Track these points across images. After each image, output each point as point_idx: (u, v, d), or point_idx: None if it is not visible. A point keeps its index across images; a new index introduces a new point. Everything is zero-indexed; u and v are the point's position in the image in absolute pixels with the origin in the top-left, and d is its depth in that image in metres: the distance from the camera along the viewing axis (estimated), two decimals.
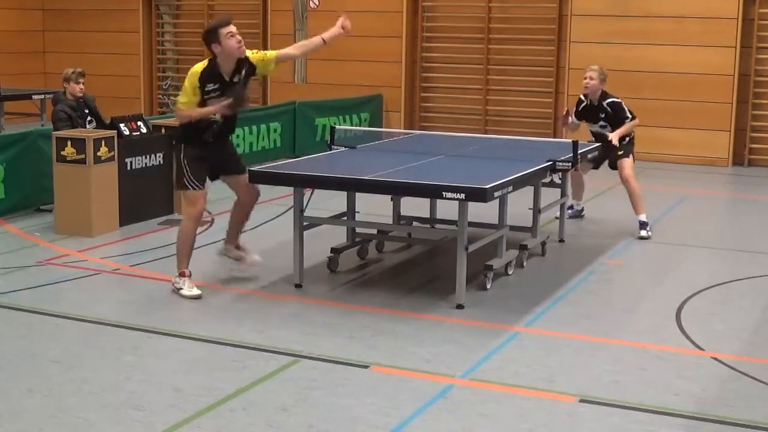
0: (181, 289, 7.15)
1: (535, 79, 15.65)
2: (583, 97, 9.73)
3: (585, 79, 9.58)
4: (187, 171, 7.20)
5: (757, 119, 14.58)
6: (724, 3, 14.21)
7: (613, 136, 9.47)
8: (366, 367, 5.83)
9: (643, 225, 9.47)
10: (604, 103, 9.52)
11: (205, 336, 6.29)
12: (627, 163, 9.56)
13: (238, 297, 7.25)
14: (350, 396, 5.37)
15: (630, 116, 9.56)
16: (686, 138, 14.59)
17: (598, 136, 9.64)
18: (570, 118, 9.87)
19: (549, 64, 15.54)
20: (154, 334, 6.38)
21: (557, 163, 8.03)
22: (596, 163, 9.81)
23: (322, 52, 17.02)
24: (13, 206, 9.64)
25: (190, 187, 7.22)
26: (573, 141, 8.26)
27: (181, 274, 7.21)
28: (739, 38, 14.21)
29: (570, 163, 8.08)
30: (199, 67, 7.11)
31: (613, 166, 9.72)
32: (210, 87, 7.11)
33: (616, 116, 9.52)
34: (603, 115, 9.55)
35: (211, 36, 7.08)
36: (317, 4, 15.82)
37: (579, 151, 8.14)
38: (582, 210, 10.31)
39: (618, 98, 9.62)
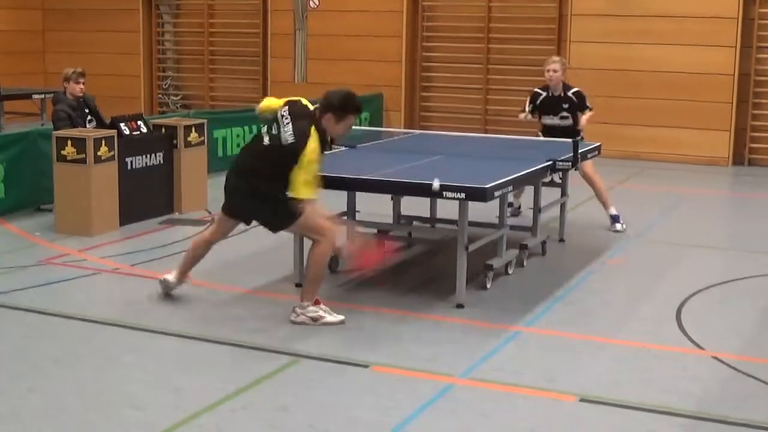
0: (323, 317, 6.48)
1: (535, 79, 15.58)
2: (540, 90, 9.64)
3: (548, 72, 9.46)
4: (288, 198, 6.41)
5: (757, 119, 14.58)
6: (724, 3, 14.20)
7: (584, 122, 9.42)
8: (366, 367, 5.82)
9: (615, 218, 9.59)
10: (569, 93, 9.47)
11: (205, 336, 6.29)
12: (589, 162, 9.44)
13: (238, 297, 7.25)
14: (350, 396, 5.37)
15: (590, 106, 9.53)
16: (686, 138, 14.58)
17: (554, 129, 9.51)
18: (525, 115, 9.70)
19: None
20: (154, 334, 6.37)
21: (557, 162, 8.03)
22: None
23: (323, 51, 17.10)
24: (13, 206, 9.64)
25: (301, 208, 6.40)
26: (573, 141, 8.26)
27: (316, 303, 6.52)
28: (739, 38, 14.21)
29: (570, 163, 8.08)
30: (313, 127, 6.35)
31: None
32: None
33: (581, 105, 9.48)
34: (566, 106, 9.47)
35: (348, 108, 6.51)
36: (317, 3, 15.82)
37: (579, 151, 8.14)
38: (519, 207, 10.06)
39: (583, 91, 9.57)
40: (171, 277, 7.03)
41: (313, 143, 6.28)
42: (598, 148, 9.23)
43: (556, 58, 9.68)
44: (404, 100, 16.45)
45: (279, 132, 6.41)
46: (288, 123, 6.42)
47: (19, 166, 9.64)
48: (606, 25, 14.81)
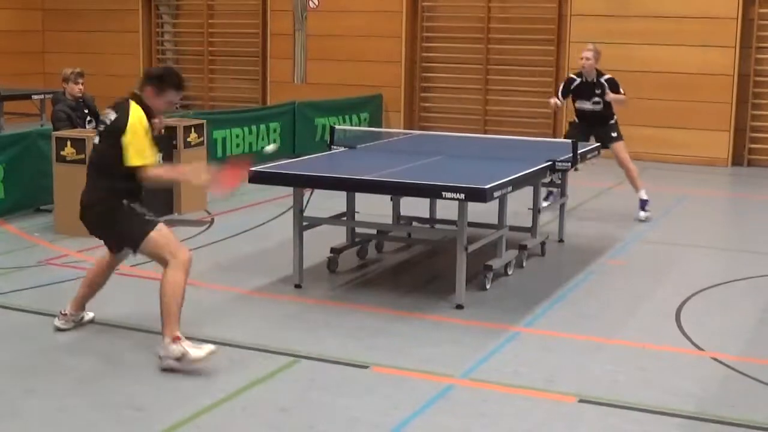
0: (187, 353, 5.64)
1: (535, 79, 15.65)
2: (575, 76, 10.23)
3: (581, 59, 10.09)
4: (137, 212, 5.88)
5: (757, 119, 14.58)
6: (724, 3, 14.21)
7: (612, 97, 9.98)
8: (366, 367, 5.82)
9: (644, 203, 10.06)
10: (602, 80, 10.04)
11: (205, 336, 6.28)
12: (622, 145, 10.16)
13: (238, 297, 7.25)
14: (350, 396, 5.37)
15: (623, 92, 10.12)
16: (686, 138, 14.59)
17: (586, 114, 10.14)
18: (556, 101, 10.34)
19: (549, 64, 15.54)
20: (154, 334, 6.37)
21: (557, 163, 8.03)
22: (585, 138, 10.03)
23: (323, 52, 17.07)
24: (13, 206, 9.63)
25: (152, 224, 5.86)
26: (573, 141, 8.27)
27: (175, 339, 5.68)
28: (739, 38, 14.22)
29: (570, 163, 8.08)
30: (135, 104, 5.87)
31: (604, 144, 10.11)
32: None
33: (613, 91, 10.05)
34: (599, 92, 10.04)
35: (166, 81, 5.95)
36: (317, 4, 15.83)
37: (579, 151, 8.14)
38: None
39: (615, 79, 10.14)
40: (62, 321, 6.39)
41: (136, 112, 5.78)
42: (598, 148, 9.24)
43: (590, 47, 10.15)
44: (404, 100, 16.45)
45: (103, 125, 5.97)
46: (109, 111, 5.98)
47: (19, 167, 9.64)
48: (606, 26, 14.81)
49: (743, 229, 10.45)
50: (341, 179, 7.32)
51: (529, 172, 7.65)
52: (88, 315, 6.53)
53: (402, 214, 8.92)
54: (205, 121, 10.73)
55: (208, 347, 5.73)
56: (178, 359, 5.66)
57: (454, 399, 5.37)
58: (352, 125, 15.15)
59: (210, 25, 18.02)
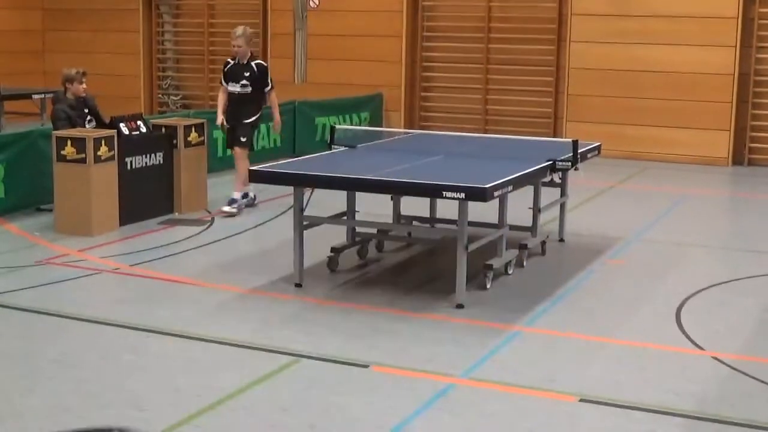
0: None
1: (535, 79, 15.64)
2: (230, 60, 10.32)
3: (233, 47, 10.16)
4: None
5: (757, 119, 14.57)
6: (724, 3, 14.20)
7: (277, 126, 10.52)
8: (366, 367, 5.82)
9: (232, 201, 10.06)
10: (252, 63, 10.15)
11: (205, 336, 6.29)
12: (243, 153, 10.12)
13: (238, 297, 7.25)
14: (350, 396, 5.37)
15: (271, 84, 10.21)
16: (686, 138, 14.58)
17: (235, 97, 10.11)
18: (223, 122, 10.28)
19: (549, 64, 15.53)
20: (154, 334, 6.37)
21: (557, 162, 8.03)
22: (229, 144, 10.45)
23: (323, 51, 17.03)
24: (13, 206, 9.63)
25: None
26: (573, 141, 8.26)
27: None
28: (739, 38, 14.20)
29: (570, 163, 8.08)
30: None
31: (230, 144, 10.40)
32: None
33: (261, 78, 10.13)
34: (247, 74, 10.10)
35: None
36: (317, 3, 15.82)
37: (579, 151, 8.14)
38: (255, 197, 10.51)
39: (266, 63, 10.41)
40: None
41: None
42: (598, 148, 9.24)
43: (239, 32, 10.15)
44: (404, 100, 16.44)
45: None
46: None
47: (19, 166, 9.64)
48: (606, 25, 14.80)
49: (743, 229, 10.44)
50: (341, 179, 7.32)
51: (529, 172, 7.66)
52: None
53: (402, 213, 8.92)
54: (205, 121, 10.72)
55: None
56: None
57: (455, 398, 5.37)
58: (352, 125, 15.15)
59: (210, 25, 18.01)
